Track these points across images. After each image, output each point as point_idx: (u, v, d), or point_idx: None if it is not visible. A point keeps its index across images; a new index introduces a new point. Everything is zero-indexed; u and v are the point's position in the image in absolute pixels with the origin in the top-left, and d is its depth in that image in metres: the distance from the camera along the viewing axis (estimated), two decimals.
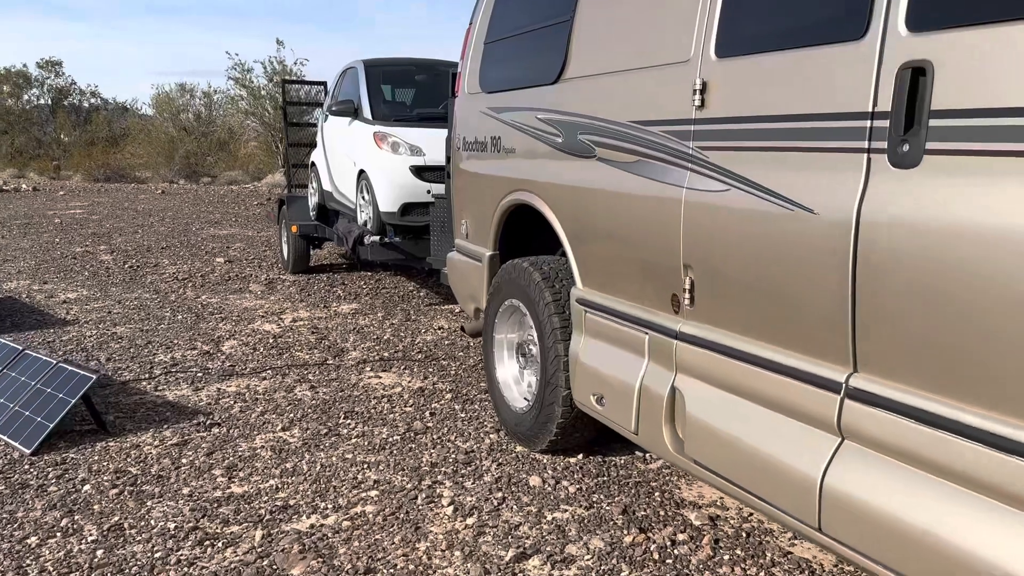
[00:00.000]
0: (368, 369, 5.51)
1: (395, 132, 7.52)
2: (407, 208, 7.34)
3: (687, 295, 2.80)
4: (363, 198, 7.77)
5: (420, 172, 7.34)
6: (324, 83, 10.50)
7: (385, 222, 7.43)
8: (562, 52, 3.67)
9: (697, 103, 2.73)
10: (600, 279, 3.42)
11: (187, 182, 27.77)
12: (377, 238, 7.23)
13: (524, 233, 4.30)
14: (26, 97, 35.92)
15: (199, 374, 5.41)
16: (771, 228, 2.40)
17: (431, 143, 7.39)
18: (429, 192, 7.27)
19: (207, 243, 11.86)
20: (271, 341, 6.24)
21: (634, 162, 3.10)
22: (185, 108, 31.60)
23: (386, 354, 5.88)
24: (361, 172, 7.70)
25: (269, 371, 5.47)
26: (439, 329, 6.63)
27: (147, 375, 5.39)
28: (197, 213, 16.51)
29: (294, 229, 8.80)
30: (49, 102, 36.44)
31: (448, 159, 5.13)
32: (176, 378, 5.33)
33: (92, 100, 37.65)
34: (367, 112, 7.80)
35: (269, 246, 11.37)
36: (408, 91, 8.72)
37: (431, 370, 5.48)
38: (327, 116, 8.92)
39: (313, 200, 9.55)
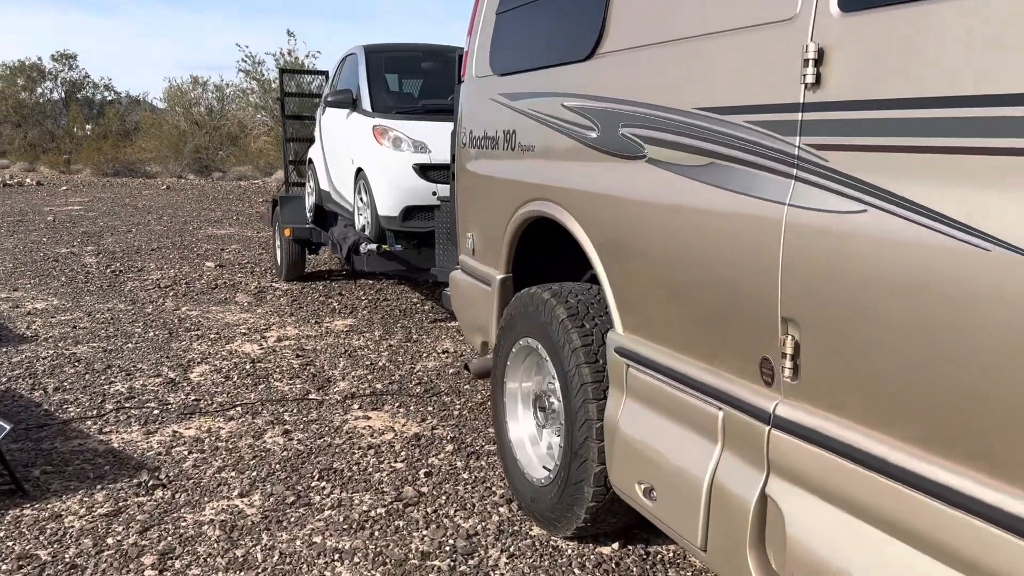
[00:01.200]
0: (356, 406, 4.63)
1: (397, 126, 6.64)
2: (410, 212, 6.47)
3: (787, 362, 1.90)
4: (361, 200, 6.90)
5: (425, 171, 6.47)
6: (325, 72, 9.63)
7: (385, 228, 6.55)
8: (598, 17, 2.77)
9: (809, 80, 1.83)
10: (650, 324, 2.52)
11: (196, 177, 27.10)
12: (374, 247, 6.35)
13: (545, 250, 3.41)
14: (39, 90, 35.47)
15: (156, 411, 4.55)
16: (939, 273, 1.50)
17: (438, 138, 6.50)
18: (435, 194, 6.41)
19: (201, 244, 11.03)
20: (248, 367, 5.37)
21: (704, 166, 2.20)
22: (197, 102, 30.99)
23: (379, 386, 5.00)
24: (359, 171, 6.83)
25: (239, 408, 4.60)
26: (443, 353, 5.75)
27: (95, 411, 4.53)
28: (198, 210, 15.71)
29: (287, 233, 7.94)
30: (63, 95, 36.04)
31: (453, 157, 4.24)
32: (128, 416, 4.47)
33: (105, 93, 37.28)
34: (366, 103, 6.92)
35: (266, 249, 10.53)
36: (414, 80, 7.84)
37: (430, 409, 4.60)
38: (325, 108, 8.06)
39: (310, 200, 8.69)
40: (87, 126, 33.98)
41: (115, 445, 4.07)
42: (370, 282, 8.14)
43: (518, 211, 3.31)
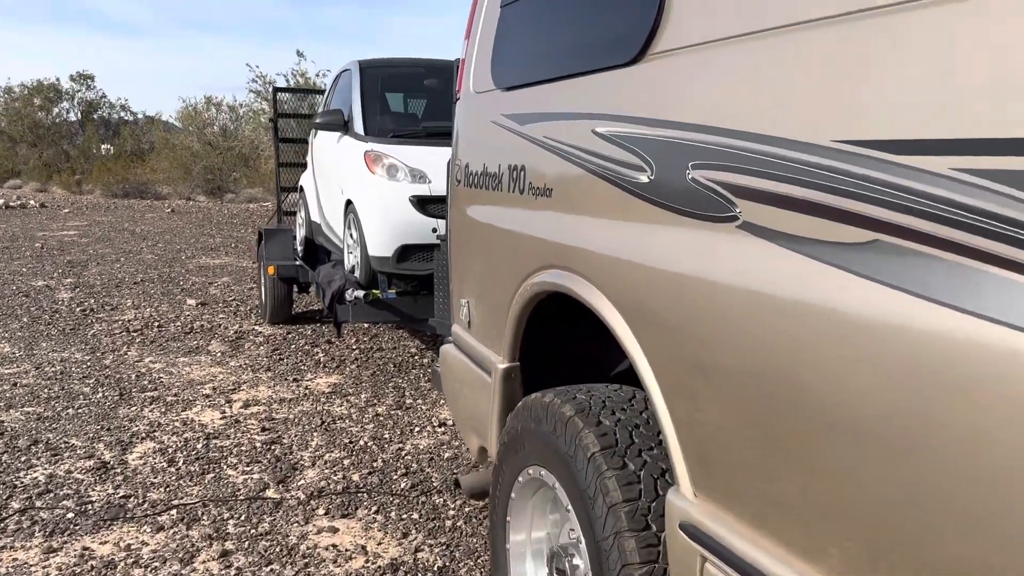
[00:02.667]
0: (322, 510, 3.63)
1: (393, 152, 5.69)
2: (405, 252, 5.51)
3: None
4: (351, 236, 5.94)
5: (424, 205, 5.52)
6: (322, 91, 8.72)
7: (376, 270, 5.59)
8: (652, 1, 1.80)
9: None
10: (750, 494, 1.51)
11: (207, 198, 26.43)
12: (361, 294, 5.38)
13: (564, 323, 2.43)
14: (56, 110, 35.17)
15: (71, 514, 3.58)
16: None
17: (440, 166, 5.55)
18: (435, 231, 5.45)
19: (189, 277, 10.13)
20: (200, 446, 4.40)
21: (861, 246, 1.21)
22: (211, 122, 30.45)
23: (356, 477, 4.01)
24: (348, 203, 5.88)
25: (174, 511, 3.62)
26: (440, 427, 4.75)
27: None
28: (197, 236, 14.88)
29: (271, 271, 6.99)
30: (79, 115, 35.81)
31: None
32: (32, 522, 3.51)
33: (121, 113, 37.08)
34: (358, 126, 5.98)
35: (257, 283, 9.59)
36: (416, 99, 6.91)
37: (417, 516, 3.59)
38: (316, 130, 7.14)
39: (300, 233, 7.76)
40: (103, 146, 33.66)
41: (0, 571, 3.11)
42: (364, 326, 7.17)
43: (528, 280, 2.33)
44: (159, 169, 28.34)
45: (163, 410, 5.02)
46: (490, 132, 2.68)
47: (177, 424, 4.76)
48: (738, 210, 1.48)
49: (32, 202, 23.45)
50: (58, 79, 34.61)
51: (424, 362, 6.15)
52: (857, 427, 1.21)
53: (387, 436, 4.57)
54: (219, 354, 6.36)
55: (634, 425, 1.98)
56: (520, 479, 2.31)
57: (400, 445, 4.44)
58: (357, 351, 6.43)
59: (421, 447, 4.41)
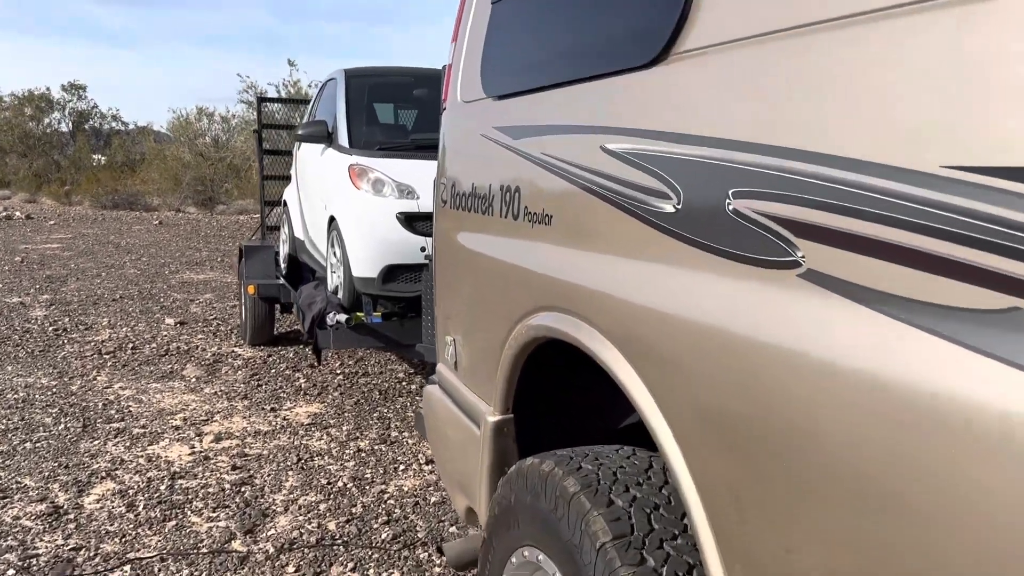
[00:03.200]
0: (292, 568, 3.26)
1: (379, 165, 5.34)
2: (392, 273, 5.15)
3: None
4: (334, 255, 5.58)
5: (412, 222, 5.16)
6: (310, 101, 8.37)
7: (360, 291, 5.22)
8: None
9: None
10: None
11: (197, 210, 26.07)
12: (343, 318, 5.01)
13: (564, 371, 2.08)
14: (47, 120, 34.85)
15: (10, 571, 3.20)
16: None
17: (429, 182, 5.20)
18: (424, 250, 5.09)
19: (170, 294, 9.75)
20: (164, 488, 4.02)
21: (996, 314, 0.85)
22: (202, 133, 30.14)
23: (332, 526, 3.63)
24: (331, 219, 5.52)
25: (128, 567, 3.24)
26: (427, 465, 4.38)
27: None
28: (183, 250, 14.50)
29: (251, 290, 6.62)
30: (70, 126, 35.53)
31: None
32: None
33: (113, 124, 36.81)
34: (343, 137, 5.63)
35: (239, 303, 9.22)
36: (404, 110, 6.57)
37: None
38: (299, 142, 6.79)
39: (283, 249, 7.40)
40: (94, 156, 33.34)
41: None
42: (350, 349, 6.79)
43: (523, 322, 1.98)
44: (149, 180, 27.99)
45: (128, 444, 4.64)
46: (480, 147, 2.33)
47: (141, 461, 4.39)
48: (800, 254, 1.12)
49: (18, 213, 23.03)
50: (49, 89, 34.29)
51: (412, 388, 5.78)
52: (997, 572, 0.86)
53: (369, 475, 4.20)
54: (194, 380, 5.98)
55: (653, 506, 1.62)
56: (513, 560, 1.95)
57: (383, 486, 4.06)
58: (341, 376, 6.06)
59: (406, 489, 4.04)
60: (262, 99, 8.49)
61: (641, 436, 2.01)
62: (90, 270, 11.85)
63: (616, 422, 2.21)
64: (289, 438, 4.76)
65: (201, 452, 4.53)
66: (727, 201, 1.28)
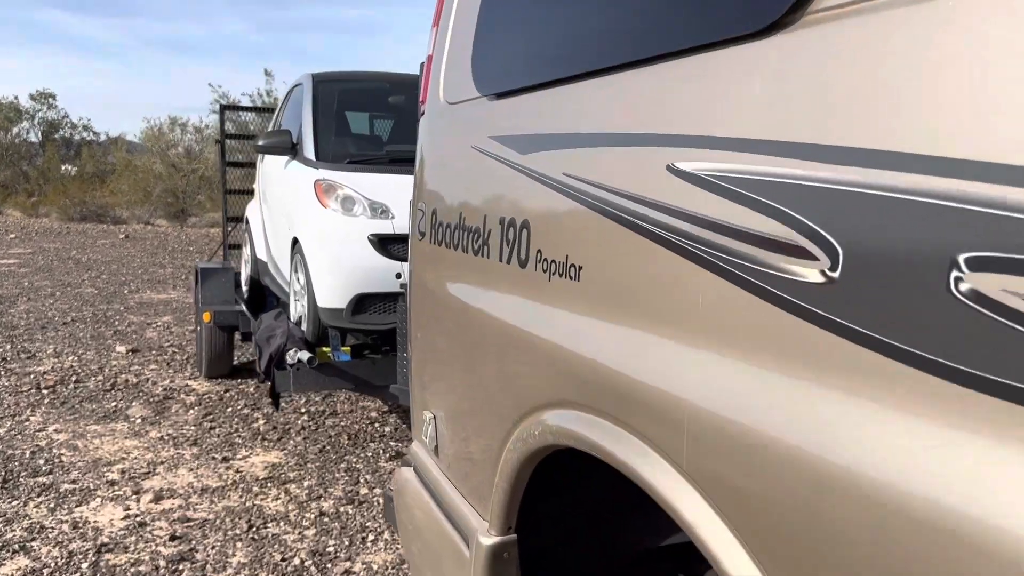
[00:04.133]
0: None
1: (349, 181, 4.72)
2: (362, 303, 4.53)
3: None
4: (297, 281, 4.95)
5: (386, 245, 4.55)
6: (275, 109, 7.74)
7: (326, 324, 4.59)
8: None
9: None
10: None
11: (168, 222, 25.29)
12: (306, 357, 4.37)
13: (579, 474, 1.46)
14: (15, 130, 33.91)
15: None
16: None
17: (405, 199, 4.61)
18: (399, 276, 4.49)
19: (126, 316, 9.05)
20: (87, 567, 3.36)
21: None
22: (175, 144, 29.38)
23: None
24: (295, 241, 4.89)
25: None
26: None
27: None
28: (147, 266, 13.78)
29: (206, 318, 5.95)
30: (39, 136, 34.63)
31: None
32: None
33: (84, 134, 35.94)
34: (309, 149, 5.01)
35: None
36: (379, 120, 5.95)
37: None
38: (261, 154, 6.16)
39: (245, 271, 6.75)
40: (64, 167, 32.49)
41: None
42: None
43: (535, 418, 1.37)
44: (118, 191, 27.19)
45: (53, 505, 3.97)
46: (471, 164, 1.72)
47: (65, 528, 3.72)
48: None
49: None
50: (16, 97, 33.36)
51: (386, 431, 5.14)
52: None
53: (332, 548, 3.55)
54: (139, 421, 5.31)
55: None
56: None
57: (347, 563, 3.42)
58: (305, 416, 5.40)
59: (375, 567, 3.41)
60: (225, 107, 7.85)
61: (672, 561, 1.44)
62: (44, 289, 11.11)
63: (637, 538, 1.61)
64: (241, 497, 4.10)
65: (137, 516, 3.87)
66: (952, 272, 0.67)
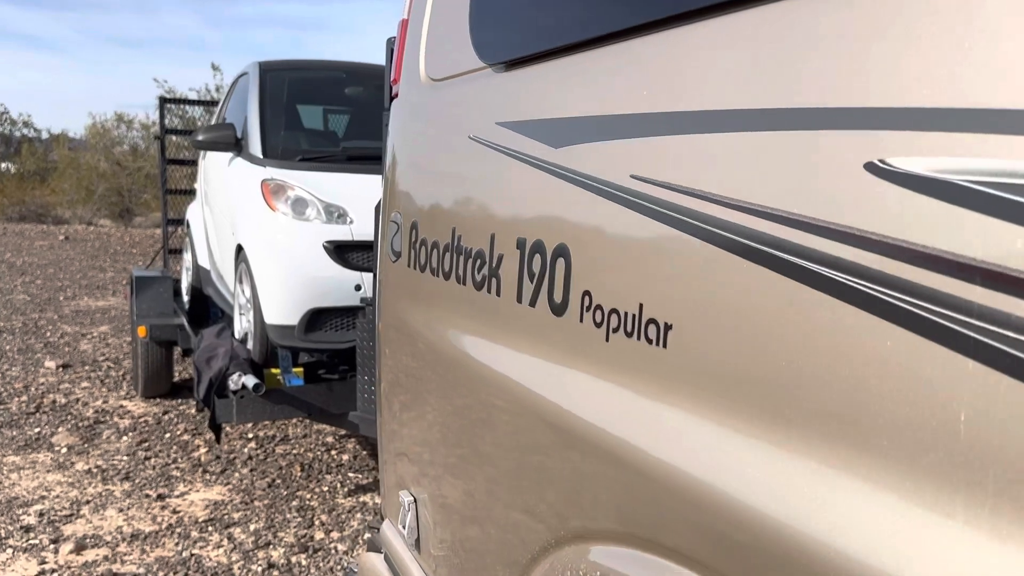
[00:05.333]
0: None
1: (300, 180, 4.21)
2: (317, 319, 4.02)
3: None
4: (243, 293, 4.41)
5: (343, 253, 4.05)
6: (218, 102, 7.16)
7: (275, 344, 4.07)
8: None
9: None
10: None
11: (113, 222, 24.30)
12: (252, 383, 3.83)
13: None
14: None
15: None
16: None
17: (365, 201, 4.12)
18: (359, 289, 4.00)
19: (60, 326, 8.37)
20: None
21: None
22: (120, 141, 28.33)
23: None
24: (239, 249, 4.35)
25: None
26: None
27: None
28: (86, 270, 13.03)
29: (141, 332, 5.37)
30: None
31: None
32: None
33: (24, 130, 34.60)
34: (255, 145, 4.47)
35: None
36: (334, 114, 5.42)
37: None
38: (202, 151, 5.61)
39: (186, 280, 6.18)
40: (1, 165, 31.24)
41: None
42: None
43: (574, 550, 0.89)
44: (60, 190, 26.14)
45: None
46: (469, 162, 1.24)
47: None
48: None
49: None
50: None
51: (344, 460, 4.62)
52: None
53: None
54: (64, 450, 4.72)
55: None
56: None
57: None
58: (253, 442, 4.86)
59: None
60: (165, 99, 7.25)
61: None
62: None
63: None
64: (177, 545, 3.56)
65: (54, 571, 3.31)
66: None
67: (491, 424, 1.15)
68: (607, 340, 0.89)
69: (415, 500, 1.44)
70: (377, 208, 2.47)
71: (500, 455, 1.13)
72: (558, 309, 0.98)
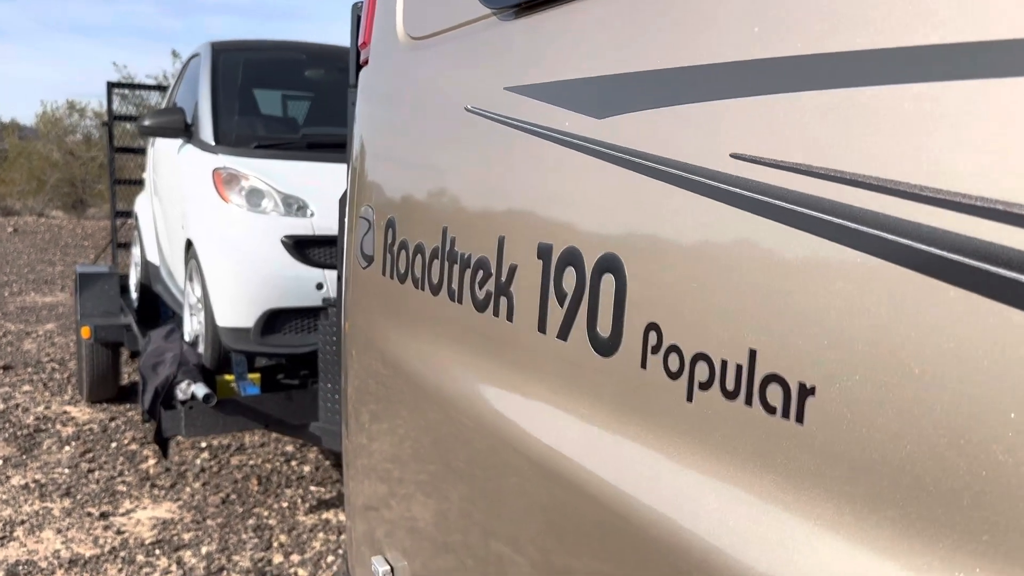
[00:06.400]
0: None
1: (256, 169, 3.87)
2: (274, 320, 3.69)
3: None
4: (193, 292, 4.06)
5: (303, 249, 3.73)
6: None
7: (229, 347, 3.73)
8: None
9: None
10: None
11: (65, 214, 23.55)
12: (202, 392, 3.48)
13: None
14: None
15: None
16: None
17: (327, 192, 3.81)
18: (321, 287, 3.69)
19: (3, 324, 7.90)
20: None
21: None
22: (73, 129, 27.47)
23: None
24: (189, 244, 4.00)
25: None
26: None
27: None
28: (34, 264, 12.49)
29: (85, 333, 4.98)
30: None
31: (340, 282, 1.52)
32: None
33: None
34: (206, 131, 4.11)
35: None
36: (296, 99, 5.07)
37: None
38: (150, 137, 5.23)
39: (134, 276, 5.79)
40: None
41: None
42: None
43: None
44: (10, 181, 25.29)
45: None
46: (468, 141, 0.93)
47: None
48: None
49: None
50: None
51: (305, 472, 4.29)
52: None
53: None
54: None
55: None
56: None
57: None
58: (206, 452, 4.51)
59: None
60: (114, 84, 6.82)
61: None
62: None
63: None
64: (120, 571, 3.22)
65: None
66: None
67: (499, 493, 0.85)
68: (689, 399, 0.60)
69: (391, 570, 1.13)
70: (342, 201, 2.17)
71: (508, 526, 0.84)
72: (605, 346, 0.69)
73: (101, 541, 3.49)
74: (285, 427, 3.69)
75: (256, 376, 3.89)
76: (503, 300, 0.83)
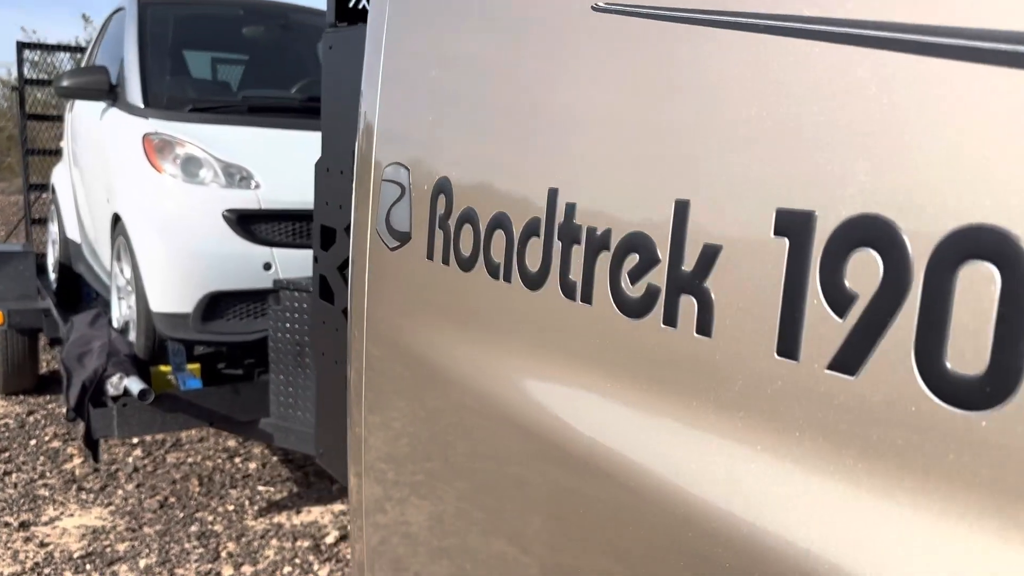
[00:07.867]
0: None
1: (192, 135, 3.46)
2: (216, 305, 3.31)
3: None
4: (122, 274, 3.64)
5: (247, 224, 3.35)
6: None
7: (164, 335, 3.33)
8: None
9: None
10: None
11: None
12: (136, 387, 3.07)
13: None
14: None
15: None
16: None
17: (273, 161, 3.44)
18: (268, 268, 3.33)
19: None
20: None
21: None
22: None
23: None
24: (116, 219, 3.58)
25: None
26: None
27: None
28: None
29: None
30: None
31: (324, 233, 1.18)
32: None
33: None
34: (134, 93, 3.66)
35: None
36: (232, 61, 4.62)
37: None
38: (68, 99, 4.74)
39: (52, 255, 5.29)
40: None
41: None
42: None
43: None
44: None
45: None
46: (609, 54, 0.62)
47: None
48: None
49: None
50: None
51: (251, 470, 3.91)
52: None
53: None
54: None
55: None
56: None
57: None
58: (139, 449, 4.09)
59: None
60: (25, 44, 6.22)
61: None
62: None
63: None
64: None
65: None
66: None
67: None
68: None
69: None
70: (319, 165, 1.82)
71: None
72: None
73: (21, 556, 3.08)
74: (232, 424, 3.30)
75: (196, 367, 3.50)
76: (680, 303, 0.52)
